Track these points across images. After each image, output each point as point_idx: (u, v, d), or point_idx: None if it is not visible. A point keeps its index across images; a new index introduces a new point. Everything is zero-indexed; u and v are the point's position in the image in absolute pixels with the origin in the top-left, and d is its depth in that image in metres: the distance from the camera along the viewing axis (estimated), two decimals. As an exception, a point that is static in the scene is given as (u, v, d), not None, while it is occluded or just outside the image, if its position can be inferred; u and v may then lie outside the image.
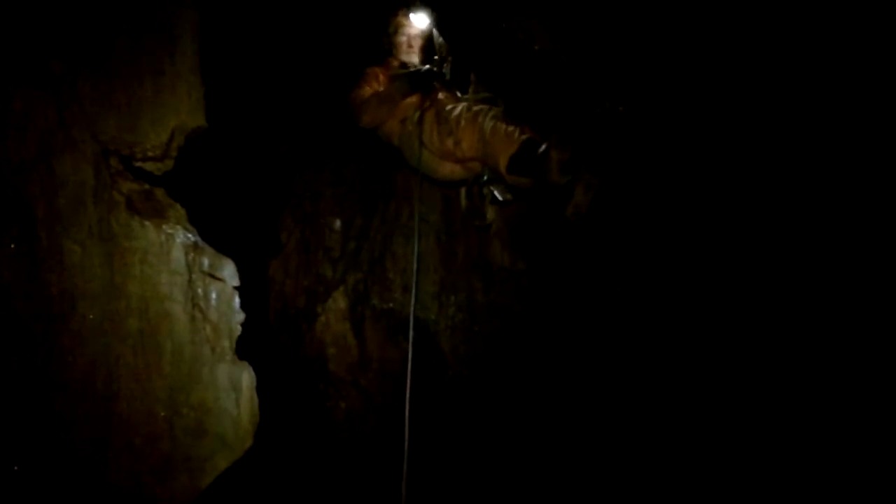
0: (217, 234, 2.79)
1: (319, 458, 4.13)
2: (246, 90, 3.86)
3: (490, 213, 3.53)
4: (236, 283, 2.62)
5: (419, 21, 3.65)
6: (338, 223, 4.29)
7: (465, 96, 3.63)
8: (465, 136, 3.24)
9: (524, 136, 3.02)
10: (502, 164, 3.07)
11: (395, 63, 3.75)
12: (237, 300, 2.62)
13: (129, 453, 2.39)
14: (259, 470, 3.28)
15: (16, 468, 2.23)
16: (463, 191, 3.76)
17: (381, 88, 3.59)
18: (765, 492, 3.18)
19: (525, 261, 4.18)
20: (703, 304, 3.46)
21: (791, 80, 2.64)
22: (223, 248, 2.69)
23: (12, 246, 2.25)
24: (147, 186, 2.51)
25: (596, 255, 3.82)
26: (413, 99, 3.50)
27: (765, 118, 2.79)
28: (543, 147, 2.92)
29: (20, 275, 2.25)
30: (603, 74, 3.06)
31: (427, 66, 3.54)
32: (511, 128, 3.06)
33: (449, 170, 3.48)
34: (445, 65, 3.60)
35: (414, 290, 3.50)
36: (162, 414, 2.44)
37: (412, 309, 3.23)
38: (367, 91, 3.61)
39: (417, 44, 3.73)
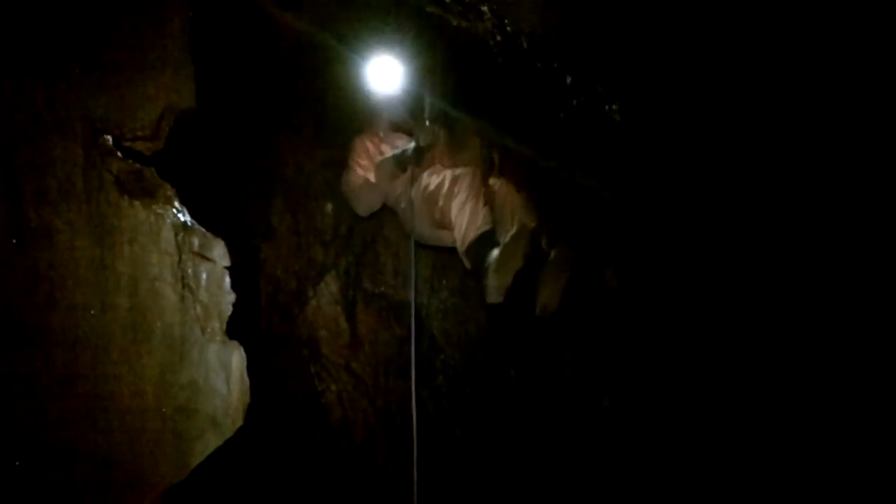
0: (208, 215, 2.79)
1: (310, 439, 4.15)
2: (237, 71, 3.84)
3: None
4: (227, 263, 2.62)
5: (402, 105, 3.76)
6: (329, 206, 4.28)
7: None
8: (446, 209, 3.42)
9: (484, 229, 3.33)
10: (460, 244, 3.38)
11: (381, 130, 3.86)
12: (227, 281, 2.62)
13: (119, 433, 2.40)
14: (250, 451, 3.30)
15: (17, 463, 2.25)
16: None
17: (372, 167, 3.71)
18: (764, 493, 3.19)
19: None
20: (696, 288, 3.47)
21: (791, 80, 2.62)
22: (214, 229, 2.69)
23: (1, 226, 2.25)
24: (137, 166, 2.50)
25: (589, 237, 3.83)
26: (403, 176, 3.62)
27: (768, 118, 2.77)
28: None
29: (9, 255, 2.26)
30: (599, 58, 3.04)
31: (413, 145, 3.60)
32: (474, 209, 3.32)
33: (449, 238, 3.57)
34: (432, 133, 3.64)
35: (413, 280, 3.60)
36: (152, 393, 2.45)
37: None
38: (360, 176, 3.74)
39: (403, 112, 3.82)
